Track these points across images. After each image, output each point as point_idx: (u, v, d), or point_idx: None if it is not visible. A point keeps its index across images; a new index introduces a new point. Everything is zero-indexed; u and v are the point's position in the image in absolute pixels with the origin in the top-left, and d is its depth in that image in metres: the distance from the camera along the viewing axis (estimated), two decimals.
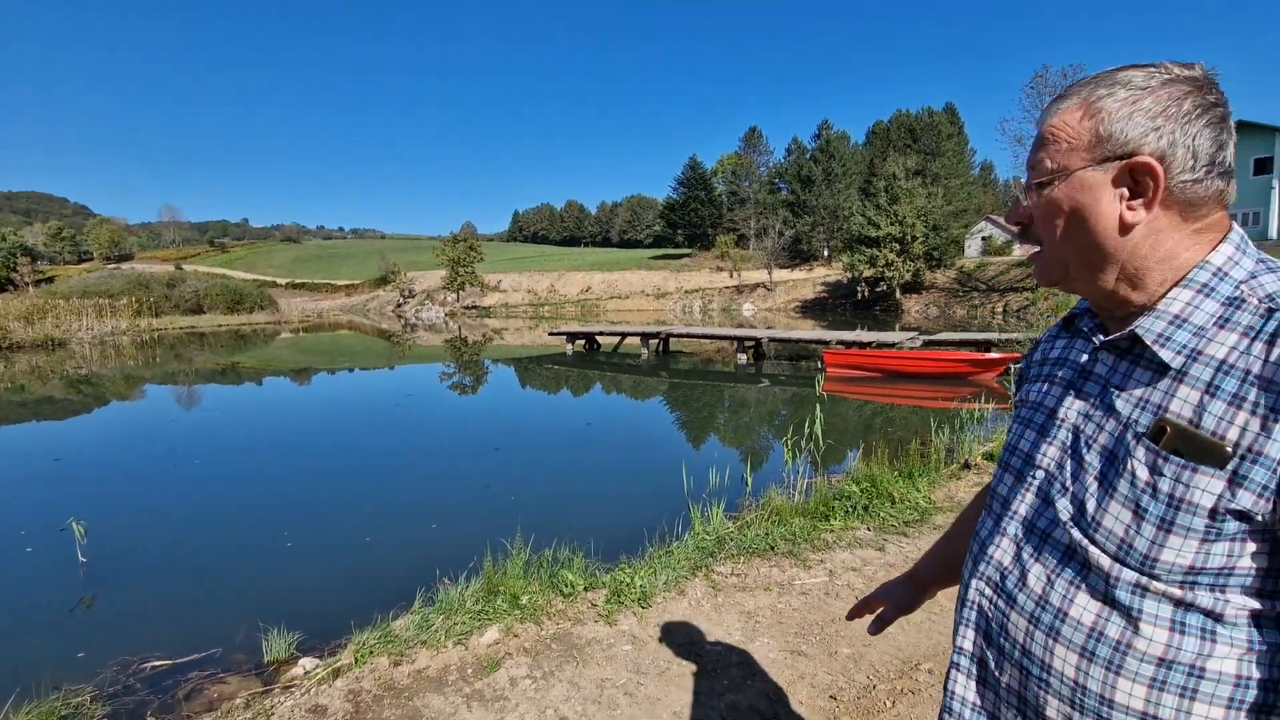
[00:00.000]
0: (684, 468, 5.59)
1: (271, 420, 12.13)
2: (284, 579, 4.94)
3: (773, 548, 4.14)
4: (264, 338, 33.21)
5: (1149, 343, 0.77)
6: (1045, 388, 0.91)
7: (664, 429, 11.12)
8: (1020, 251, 44.38)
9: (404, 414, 12.35)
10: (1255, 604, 0.71)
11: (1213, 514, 0.69)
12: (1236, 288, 0.75)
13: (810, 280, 51.24)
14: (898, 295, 41.54)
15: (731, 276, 55.36)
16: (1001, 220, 51.10)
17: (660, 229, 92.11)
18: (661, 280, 58.86)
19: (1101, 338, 0.84)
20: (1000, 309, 34.35)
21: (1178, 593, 0.72)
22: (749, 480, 5.94)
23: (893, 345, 15.30)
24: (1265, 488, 0.67)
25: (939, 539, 1.28)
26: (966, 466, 5.87)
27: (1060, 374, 0.90)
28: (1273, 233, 33.27)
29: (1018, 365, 12.36)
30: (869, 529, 4.47)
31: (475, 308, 59.24)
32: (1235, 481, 0.68)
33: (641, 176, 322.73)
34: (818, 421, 5.87)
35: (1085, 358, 0.86)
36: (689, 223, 72.96)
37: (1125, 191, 0.77)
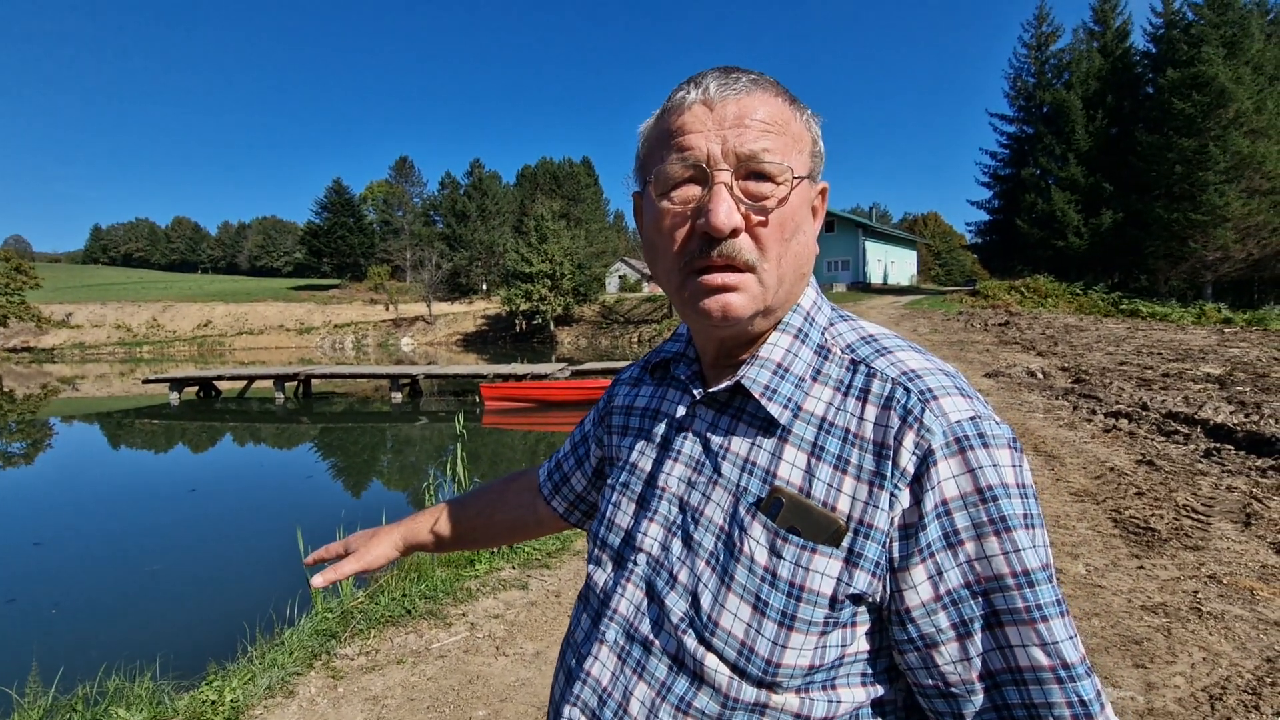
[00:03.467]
0: (299, 533, 4.79)
1: None
2: None
3: (410, 610, 3.75)
4: None
5: (756, 395, 0.66)
6: (639, 445, 0.78)
7: (292, 485, 9.62)
8: (649, 288, 51.59)
9: None
10: (860, 695, 0.63)
11: (833, 602, 0.59)
12: (823, 334, 0.69)
13: (471, 314, 51.30)
14: (552, 328, 44.33)
15: (388, 309, 52.29)
16: (633, 262, 58.84)
17: (303, 256, 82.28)
18: (306, 314, 52.50)
19: (701, 390, 0.71)
20: (636, 339, 39.16)
21: (795, 704, 0.61)
22: None
23: (544, 376, 16.13)
24: (878, 564, 0.59)
25: (445, 502, 1.07)
26: None
27: (656, 430, 0.77)
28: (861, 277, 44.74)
29: None
30: (513, 566, 4.39)
31: (28, 350, 44.53)
32: (851, 561, 0.59)
33: (275, 196, 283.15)
34: (460, 460, 5.66)
35: (683, 411, 0.73)
36: (337, 251, 66.82)
37: (813, 214, 0.70)
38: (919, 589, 0.58)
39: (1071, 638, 0.56)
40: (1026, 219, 32.53)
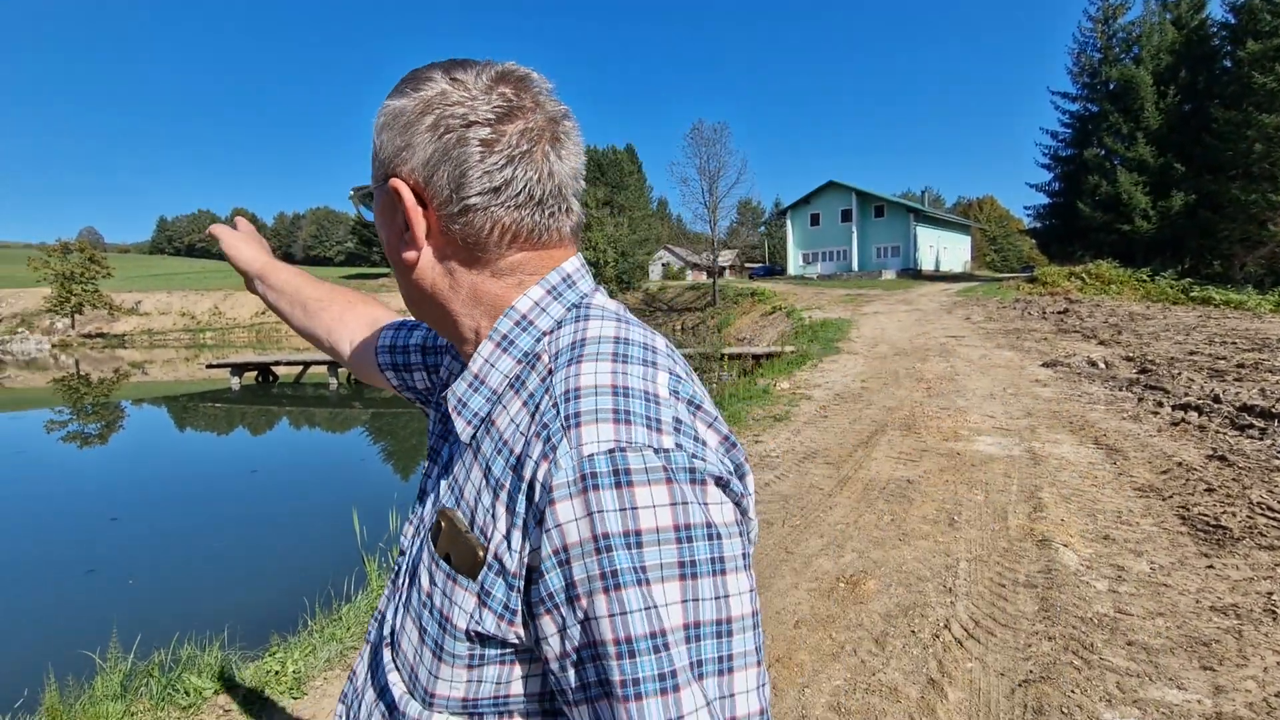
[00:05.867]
0: (355, 514, 4.96)
1: None
2: None
3: None
4: None
5: (449, 408, 0.63)
6: (431, 437, 0.76)
7: (346, 467, 9.98)
8: (692, 276, 51.34)
9: None
10: None
11: (469, 637, 0.56)
12: (538, 341, 0.62)
13: None
14: None
15: None
16: (677, 249, 58.61)
17: (354, 246, 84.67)
18: None
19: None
20: (679, 326, 39.06)
21: None
22: None
23: None
24: (507, 607, 0.54)
25: (307, 276, 1.10)
26: None
27: (444, 427, 0.73)
28: (855, 266, 43.80)
29: None
30: None
31: (102, 336, 47.09)
32: (481, 598, 0.55)
33: (327, 187, 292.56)
34: None
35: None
36: None
37: (399, 220, 0.62)
38: (550, 641, 0.52)
39: (675, 719, 0.47)
40: (1089, 202, 31.03)
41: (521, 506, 0.53)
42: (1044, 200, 36.99)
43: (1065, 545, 3.66)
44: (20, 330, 47.66)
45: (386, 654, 0.65)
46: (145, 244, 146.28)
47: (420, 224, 0.61)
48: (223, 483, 8.97)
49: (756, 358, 15.26)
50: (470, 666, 0.56)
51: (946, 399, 7.79)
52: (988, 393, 8.03)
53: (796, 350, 13.79)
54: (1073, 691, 2.41)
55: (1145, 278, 24.32)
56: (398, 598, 0.66)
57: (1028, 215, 40.44)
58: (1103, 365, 9.33)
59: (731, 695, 0.49)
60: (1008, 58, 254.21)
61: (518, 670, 0.56)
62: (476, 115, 0.59)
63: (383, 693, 0.65)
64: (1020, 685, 2.47)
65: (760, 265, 60.63)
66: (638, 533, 0.48)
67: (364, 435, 12.41)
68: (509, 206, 0.60)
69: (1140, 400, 7.12)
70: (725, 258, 51.03)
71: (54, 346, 42.59)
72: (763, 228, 72.33)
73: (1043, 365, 9.74)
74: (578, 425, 0.52)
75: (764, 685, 0.51)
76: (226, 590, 5.00)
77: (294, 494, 8.41)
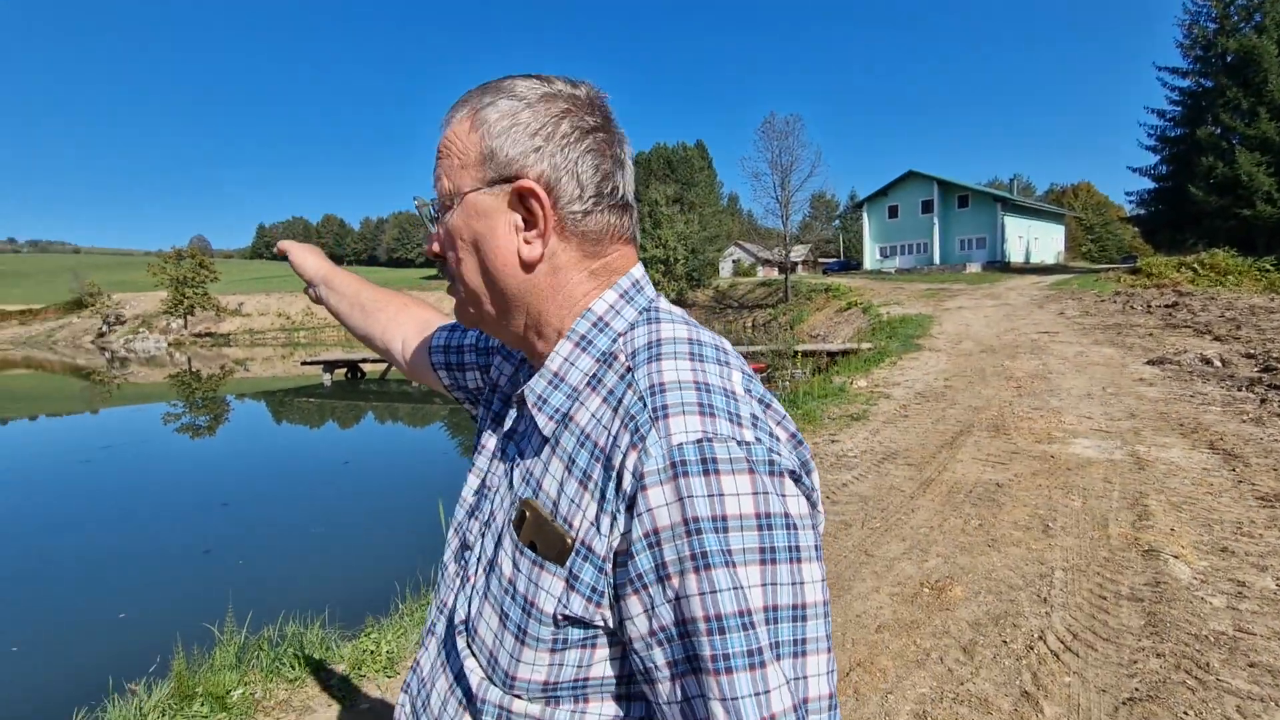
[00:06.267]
0: (440, 505, 5.18)
1: None
2: None
3: None
4: None
5: (529, 404, 0.67)
6: (486, 435, 0.80)
7: (434, 460, 10.43)
8: (763, 272, 50.61)
9: (97, 471, 9.98)
10: (614, 710, 0.61)
11: (555, 621, 0.58)
12: (615, 341, 0.65)
13: None
14: None
15: None
16: (748, 246, 57.91)
17: None
18: (435, 301, 55.07)
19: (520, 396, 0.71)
20: (750, 323, 38.56)
21: (537, 710, 0.61)
22: None
23: None
24: (595, 590, 0.56)
25: (363, 282, 1.16)
26: None
27: (500, 424, 0.77)
28: (937, 259, 41.95)
29: (762, 375, 13.87)
30: None
31: (210, 335, 50.99)
32: (570, 583, 0.57)
33: (410, 191, 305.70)
34: None
35: (513, 414, 0.73)
36: None
37: (519, 220, 0.65)
38: (636, 621, 0.54)
39: (760, 693, 0.50)
40: (1202, 185, 28.54)
41: (610, 493, 0.55)
42: (1149, 185, 34.33)
43: (1176, 557, 3.41)
44: (141, 330, 52.21)
45: (460, 641, 0.67)
46: (246, 249, 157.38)
47: (550, 223, 0.64)
48: (318, 473, 9.57)
49: (831, 355, 14.90)
50: (553, 650, 0.59)
51: (1038, 398, 7.37)
52: (1084, 392, 7.54)
53: (874, 347, 13.37)
54: (1185, 713, 2.25)
55: (1269, 267, 22.14)
56: (467, 587, 0.69)
57: (1129, 201, 37.59)
58: (1219, 363, 8.57)
59: (805, 677, 0.52)
60: (1105, 33, 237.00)
61: (598, 654, 0.59)
62: (593, 123, 0.65)
63: (459, 679, 0.67)
64: (1125, 703, 2.32)
65: (834, 260, 59.01)
66: (724, 518, 0.51)
67: (443, 430, 12.92)
68: (613, 209, 0.66)
69: (1264, 401, 6.51)
70: (798, 253, 49.93)
71: (170, 345, 46.43)
72: (837, 221, 70.34)
73: (1148, 363, 9.06)
74: (665, 417, 0.55)
75: (832, 672, 0.54)
76: (324, 572, 5.35)
77: (383, 484, 8.87)
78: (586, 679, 0.59)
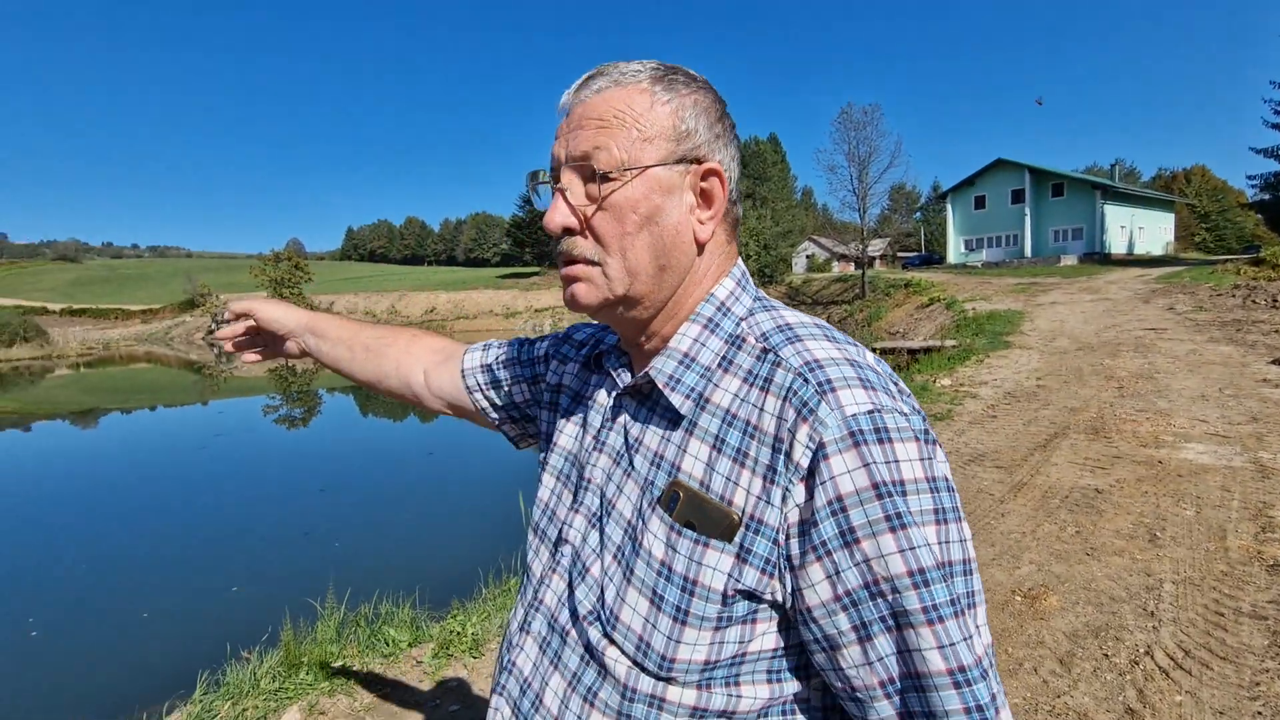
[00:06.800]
0: (520, 497, 5.35)
1: (34, 474, 10.09)
2: (31, 676, 4.02)
3: None
4: (29, 376, 27.96)
5: (660, 385, 0.66)
6: (570, 430, 0.81)
7: (511, 453, 10.73)
8: (839, 268, 49.29)
9: (211, 457, 10.86)
10: (766, 693, 0.61)
11: (724, 598, 0.59)
12: (738, 324, 0.68)
13: None
14: None
15: None
16: (823, 240, 56.50)
17: (508, 247, 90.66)
18: (511, 299, 57.82)
19: (628, 378, 0.73)
20: (825, 320, 37.64)
21: (692, 697, 0.60)
22: None
23: None
24: (769, 561, 0.58)
25: (357, 323, 1.10)
26: None
27: (588, 418, 0.78)
28: (1028, 251, 39.57)
29: None
30: None
31: None
32: (742, 557, 0.58)
33: (486, 193, 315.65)
34: None
35: (611, 402, 0.74)
36: (537, 241, 72.58)
37: (695, 201, 0.67)
38: (817, 588, 0.56)
39: (967, 638, 0.53)
40: None
41: (781, 466, 0.57)
42: (1274, 167, 31.19)
43: None
44: None
45: (593, 634, 0.65)
46: (336, 251, 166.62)
47: (724, 207, 0.68)
48: (404, 462, 10.06)
49: (912, 352, 14.35)
50: (716, 628, 0.59)
51: (1144, 400, 6.86)
52: (1198, 393, 6.96)
53: (958, 345, 12.80)
54: None
55: None
56: (588, 579, 0.68)
57: (1252, 186, 34.30)
58: None
59: (978, 626, 0.56)
60: (1219, 2, 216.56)
61: (758, 628, 0.60)
62: (731, 120, 0.71)
63: (581, 675, 0.66)
64: None
65: (915, 254, 56.61)
66: (902, 482, 0.54)
67: None
68: (739, 202, 0.72)
69: None
70: (875, 247, 48.27)
71: None
72: (919, 214, 67.53)
73: (1273, 362, 8.26)
74: (833, 390, 0.57)
75: (986, 624, 0.57)
76: (412, 556, 5.64)
77: (464, 474, 9.25)
78: (744, 654, 0.60)
